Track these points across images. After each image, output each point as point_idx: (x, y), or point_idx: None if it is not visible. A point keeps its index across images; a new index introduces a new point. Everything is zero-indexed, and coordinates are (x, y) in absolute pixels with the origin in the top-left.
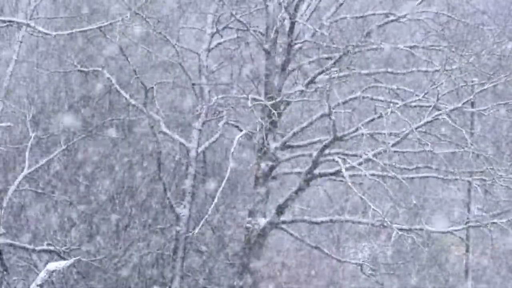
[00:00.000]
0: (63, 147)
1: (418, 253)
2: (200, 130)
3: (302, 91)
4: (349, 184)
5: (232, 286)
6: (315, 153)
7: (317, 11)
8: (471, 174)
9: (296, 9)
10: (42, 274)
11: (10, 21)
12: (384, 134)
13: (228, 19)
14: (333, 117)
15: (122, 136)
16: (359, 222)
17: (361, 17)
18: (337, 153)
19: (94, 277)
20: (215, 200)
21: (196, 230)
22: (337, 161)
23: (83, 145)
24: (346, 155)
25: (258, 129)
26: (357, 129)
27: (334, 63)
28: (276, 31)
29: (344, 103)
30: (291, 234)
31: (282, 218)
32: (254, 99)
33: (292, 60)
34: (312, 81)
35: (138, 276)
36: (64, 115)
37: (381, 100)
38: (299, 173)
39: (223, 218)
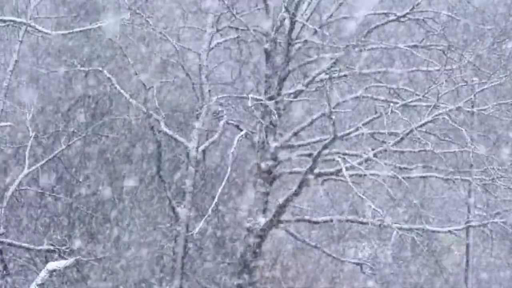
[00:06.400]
0: (63, 147)
1: (418, 253)
2: (200, 130)
3: (302, 91)
4: (349, 184)
5: (232, 286)
6: (315, 153)
7: (317, 11)
8: (471, 174)
9: (296, 8)
10: (42, 274)
11: (10, 21)
12: (384, 133)
13: (228, 18)
14: (333, 117)
15: (122, 135)
16: (359, 222)
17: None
18: (337, 153)
19: (94, 277)
20: (215, 200)
21: (196, 230)
22: (337, 161)
23: (83, 144)
24: (346, 154)
25: (258, 129)
26: (357, 129)
27: (334, 63)
28: (276, 31)
29: (344, 102)
30: (291, 234)
31: (282, 218)
32: (254, 99)
33: (292, 60)
34: (312, 81)
35: (138, 276)
36: (64, 115)
37: (381, 100)
38: (299, 173)
39: (223, 218)
